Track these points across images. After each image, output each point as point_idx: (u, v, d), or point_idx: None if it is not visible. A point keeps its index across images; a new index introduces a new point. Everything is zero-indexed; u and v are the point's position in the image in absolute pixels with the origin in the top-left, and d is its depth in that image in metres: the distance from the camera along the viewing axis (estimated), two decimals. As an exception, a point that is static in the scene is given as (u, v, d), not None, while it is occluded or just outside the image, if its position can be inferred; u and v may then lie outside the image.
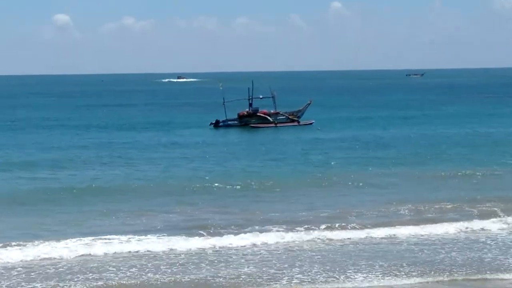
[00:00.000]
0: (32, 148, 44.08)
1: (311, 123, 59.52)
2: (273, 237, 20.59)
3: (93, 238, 20.16)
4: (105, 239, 20.10)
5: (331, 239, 20.54)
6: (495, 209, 24.39)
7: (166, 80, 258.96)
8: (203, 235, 20.86)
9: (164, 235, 20.70)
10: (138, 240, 20.04)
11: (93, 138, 50.58)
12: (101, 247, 19.32)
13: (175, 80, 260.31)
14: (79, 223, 22.83)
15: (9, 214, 24.54)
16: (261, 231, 21.13)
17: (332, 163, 36.39)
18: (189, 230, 21.57)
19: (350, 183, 30.07)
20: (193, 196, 27.68)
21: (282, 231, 21.34)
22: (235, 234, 20.86)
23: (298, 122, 59.51)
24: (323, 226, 21.88)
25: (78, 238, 20.13)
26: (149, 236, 20.63)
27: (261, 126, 57.59)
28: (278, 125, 57.97)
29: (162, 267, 17.75)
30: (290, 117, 59.93)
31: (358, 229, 21.79)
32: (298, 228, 21.67)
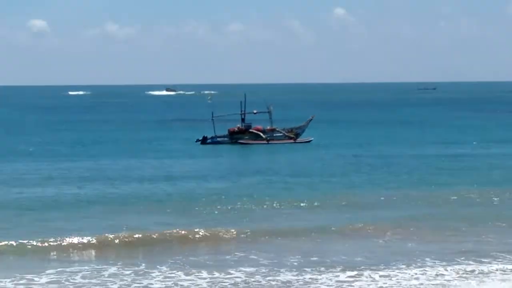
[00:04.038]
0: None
1: (309, 141, 60.03)
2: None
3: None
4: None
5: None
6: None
7: (154, 93, 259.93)
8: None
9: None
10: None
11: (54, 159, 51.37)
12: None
13: (163, 93, 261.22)
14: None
15: None
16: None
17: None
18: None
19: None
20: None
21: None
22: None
23: (295, 139, 59.95)
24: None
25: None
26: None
27: (251, 142, 58.41)
28: (270, 142, 58.74)
29: None
30: (287, 134, 60.31)
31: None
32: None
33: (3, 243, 23.14)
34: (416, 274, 20.03)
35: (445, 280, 19.64)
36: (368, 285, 19.11)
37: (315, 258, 21.89)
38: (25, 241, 23.39)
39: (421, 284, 19.30)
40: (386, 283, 19.18)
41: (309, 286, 19.08)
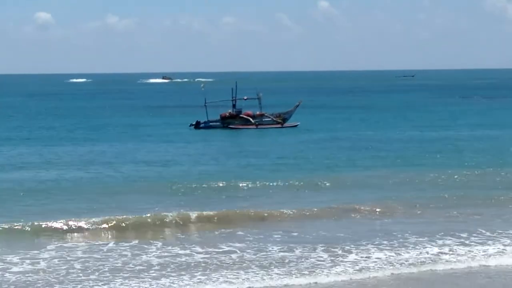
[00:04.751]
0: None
1: (296, 125, 60.21)
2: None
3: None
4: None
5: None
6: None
7: (151, 80, 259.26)
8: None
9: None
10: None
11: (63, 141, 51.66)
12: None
13: (159, 80, 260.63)
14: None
15: None
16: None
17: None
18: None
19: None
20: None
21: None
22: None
23: (282, 124, 60.35)
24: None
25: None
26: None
27: (241, 127, 58.80)
28: (259, 126, 59.06)
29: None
30: (275, 119, 60.57)
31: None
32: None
33: (5, 225, 23.22)
34: (399, 251, 20.13)
35: (428, 255, 19.76)
36: (354, 261, 19.27)
37: (301, 236, 22.18)
38: (26, 223, 23.29)
39: (406, 260, 19.40)
40: (369, 258, 19.40)
41: (300, 261, 19.18)
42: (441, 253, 19.97)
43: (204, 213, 25.06)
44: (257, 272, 18.13)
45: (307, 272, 18.17)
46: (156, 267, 18.66)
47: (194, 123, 59.77)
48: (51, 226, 23.21)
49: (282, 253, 19.93)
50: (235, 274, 17.98)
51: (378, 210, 25.98)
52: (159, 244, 21.20)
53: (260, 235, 22.28)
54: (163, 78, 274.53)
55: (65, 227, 23.17)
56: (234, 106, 61.49)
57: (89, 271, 18.32)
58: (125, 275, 18.00)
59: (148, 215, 24.52)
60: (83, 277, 17.83)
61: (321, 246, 20.50)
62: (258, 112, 60.94)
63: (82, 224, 23.48)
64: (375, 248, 20.37)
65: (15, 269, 18.54)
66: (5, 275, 17.98)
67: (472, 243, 21.06)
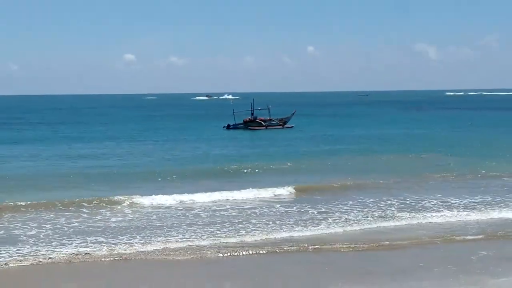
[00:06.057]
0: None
1: (292, 127, 60.37)
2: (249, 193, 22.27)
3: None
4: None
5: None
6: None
7: (198, 98, 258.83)
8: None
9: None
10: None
11: (150, 137, 51.50)
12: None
13: (203, 98, 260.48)
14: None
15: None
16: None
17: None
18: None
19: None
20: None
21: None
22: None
23: (283, 126, 60.35)
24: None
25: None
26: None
27: (256, 128, 58.82)
28: (268, 127, 59.01)
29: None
30: (279, 122, 60.51)
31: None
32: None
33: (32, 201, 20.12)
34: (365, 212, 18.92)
35: (388, 212, 18.84)
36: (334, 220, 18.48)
37: (294, 206, 20.63)
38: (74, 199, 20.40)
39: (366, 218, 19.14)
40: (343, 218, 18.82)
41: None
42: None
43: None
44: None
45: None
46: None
47: (226, 125, 60.20)
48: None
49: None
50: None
51: (349, 183, 24.48)
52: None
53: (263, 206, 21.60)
54: (206, 96, 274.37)
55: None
56: (252, 114, 61.49)
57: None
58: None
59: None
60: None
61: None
62: (268, 118, 60.84)
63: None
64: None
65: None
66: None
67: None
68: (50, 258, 13.83)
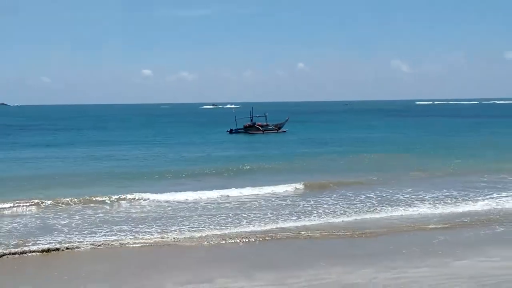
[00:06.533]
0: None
1: (285, 131, 59.98)
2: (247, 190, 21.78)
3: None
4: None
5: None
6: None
7: (205, 107, 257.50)
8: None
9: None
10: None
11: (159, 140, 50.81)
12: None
13: (210, 106, 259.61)
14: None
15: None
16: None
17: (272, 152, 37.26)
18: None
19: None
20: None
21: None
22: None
23: (277, 130, 59.83)
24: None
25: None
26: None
27: (255, 132, 58.43)
28: (265, 132, 58.71)
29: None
30: (274, 127, 59.94)
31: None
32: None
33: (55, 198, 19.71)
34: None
35: (369, 204, 18.67)
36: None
37: (287, 200, 20.97)
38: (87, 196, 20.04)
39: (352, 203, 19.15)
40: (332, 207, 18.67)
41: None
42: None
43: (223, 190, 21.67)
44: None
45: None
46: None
47: (229, 130, 59.88)
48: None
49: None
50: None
51: (336, 180, 23.81)
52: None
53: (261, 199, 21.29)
54: (212, 105, 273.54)
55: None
56: (251, 120, 61.10)
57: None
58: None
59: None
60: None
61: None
62: (264, 123, 60.43)
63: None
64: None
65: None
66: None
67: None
68: (85, 243, 13.99)
